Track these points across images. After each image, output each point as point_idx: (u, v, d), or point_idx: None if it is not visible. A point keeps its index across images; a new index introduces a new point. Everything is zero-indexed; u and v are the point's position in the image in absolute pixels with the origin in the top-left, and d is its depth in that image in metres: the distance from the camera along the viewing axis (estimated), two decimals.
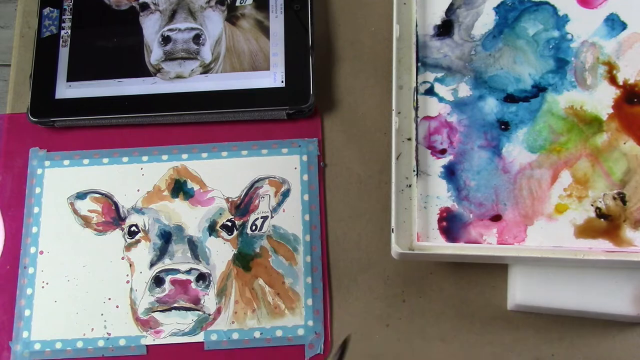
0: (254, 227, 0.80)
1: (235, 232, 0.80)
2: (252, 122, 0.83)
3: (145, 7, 0.86)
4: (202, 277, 0.78)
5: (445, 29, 0.81)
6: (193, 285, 0.78)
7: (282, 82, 0.82)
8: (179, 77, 0.83)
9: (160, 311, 0.77)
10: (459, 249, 0.72)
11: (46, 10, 0.86)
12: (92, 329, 0.77)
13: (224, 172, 0.82)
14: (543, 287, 0.73)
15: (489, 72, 0.79)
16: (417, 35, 0.80)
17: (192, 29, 0.84)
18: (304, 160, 0.82)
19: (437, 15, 0.81)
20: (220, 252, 0.79)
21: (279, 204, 0.80)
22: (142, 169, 0.82)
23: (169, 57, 0.84)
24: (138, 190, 0.82)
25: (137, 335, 0.77)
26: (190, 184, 0.81)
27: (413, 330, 0.77)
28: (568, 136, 0.76)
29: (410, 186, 0.75)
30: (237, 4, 0.85)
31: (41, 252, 0.80)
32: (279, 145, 0.82)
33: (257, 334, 0.77)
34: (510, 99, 0.77)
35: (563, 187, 0.74)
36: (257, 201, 0.80)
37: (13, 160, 0.84)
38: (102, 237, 0.80)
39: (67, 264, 0.80)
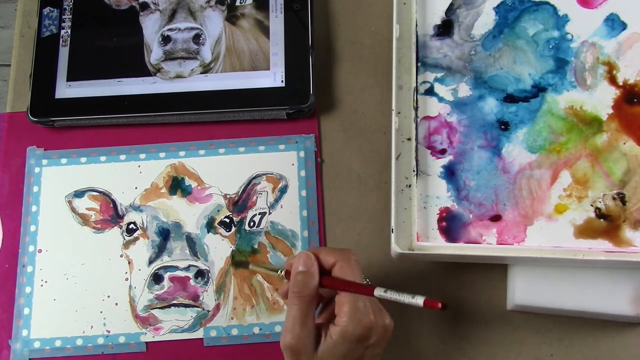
0: (252, 224, 0.80)
1: (233, 229, 0.80)
2: (251, 122, 0.83)
3: (145, 6, 0.86)
4: (200, 274, 0.78)
5: (445, 29, 0.81)
6: (192, 282, 0.78)
7: (282, 82, 0.82)
8: (178, 76, 0.83)
9: (159, 308, 0.77)
10: (458, 249, 0.72)
11: (46, 10, 0.86)
12: (92, 327, 0.77)
13: (222, 169, 0.82)
14: (543, 287, 0.73)
15: (489, 72, 0.79)
16: (417, 35, 0.80)
17: (192, 28, 0.84)
18: (301, 156, 0.82)
19: (437, 15, 0.81)
20: (219, 248, 0.79)
21: (277, 200, 0.80)
22: (139, 166, 0.82)
23: (169, 56, 0.84)
24: (136, 188, 0.82)
25: (137, 332, 0.77)
26: (188, 181, 0.81)
27: (413, 331, 0.76)
28: (568, 136, 0.76)
29: (410, 186, 0.75)
30: (237, 3, 0.85)
31: (40, 251, 0.80)
32: (276, 142, 0.82)
33: (256, 330, 0.77)
34: (510, 99, 0.77)
35: (563, 188, 0.74)
36: (254, 197, 0.80)
37: (12, 159, 0.83)
38: (101, 235, 0.80)
39: (66, 262, 0.80)
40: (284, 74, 0.82)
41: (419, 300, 0.57)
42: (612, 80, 0.77)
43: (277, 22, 0.84)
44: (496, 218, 0.74)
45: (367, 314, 0.63)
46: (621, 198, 0.73)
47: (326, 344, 0.64)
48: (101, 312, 0.78)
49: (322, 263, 0.67)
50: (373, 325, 0.63)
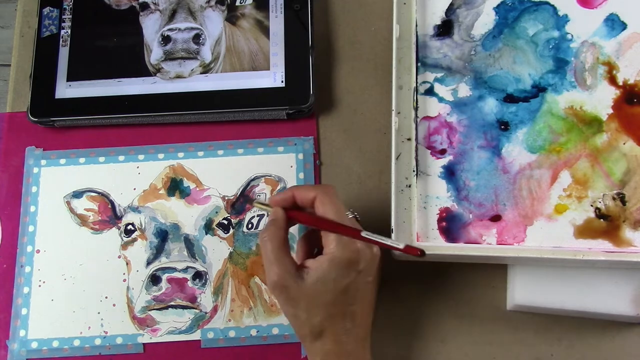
0: (250, 226, 0.80)
1: (231, 231, 0.79)
2: (251, 122, 0.83)
3: (145, 6, 0.86)
4: (198, 275, 0.78)
5: (445, 29, 0.81)
6: (189, 283, 0.78)
7: (282, 82, 0.81)
8: (178, 77, 0.83)
9: (156, 309, 0.77)
10: (458, 249, 0.72)
11: (46, 10, 0.86)
12: (89, 327, 0.77)
13: (220, 171, 0.82)
14: (543, 287, 0.73)
15: (488, 72, 0.79)
16: (417, 35, 0.80)
17: (192, 28, 0.84)
18: (300, 158, 0.81)
19: (437, 15, 0.81)
20: (217, 250, 0.79)
21: None
22: (138, 167, 0.82)
23: (169, 56, 0.84)
24: (134, 189, 0.81)
25: (134, 333, 0.77)
26: (187, 183, 0.81)
27: (413, 330, 0.76)
28: (568, 136, 0.75)
29: (410, 186, 0.75)
30: (237, 3, 0.85)
31: (38, 251, 0.80)
32: (275, 144, 0.82)
33: (253, 332, 0.76)
34: (510, 99, 0.77)
35: (563, 188, 0.74)
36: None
37: (11, 159, 0.83)
38: (99, 236, 0.80)
39: (64, 262, 0.80)
40: (284, 74, 0.82)
41: (400, 245, 0.62)
42: (612, 80, 0.77)
43: (277, 22, 0.84)
44: (496, 218, 0.74)
45: (353, 242, 0.66)
46: (621, 198, 0.73)
47: (315, 273, 0.66)
48: (99, 313, 0.78)
49: (301, 199, 0.69)
50: (360, 250, 0.66)
